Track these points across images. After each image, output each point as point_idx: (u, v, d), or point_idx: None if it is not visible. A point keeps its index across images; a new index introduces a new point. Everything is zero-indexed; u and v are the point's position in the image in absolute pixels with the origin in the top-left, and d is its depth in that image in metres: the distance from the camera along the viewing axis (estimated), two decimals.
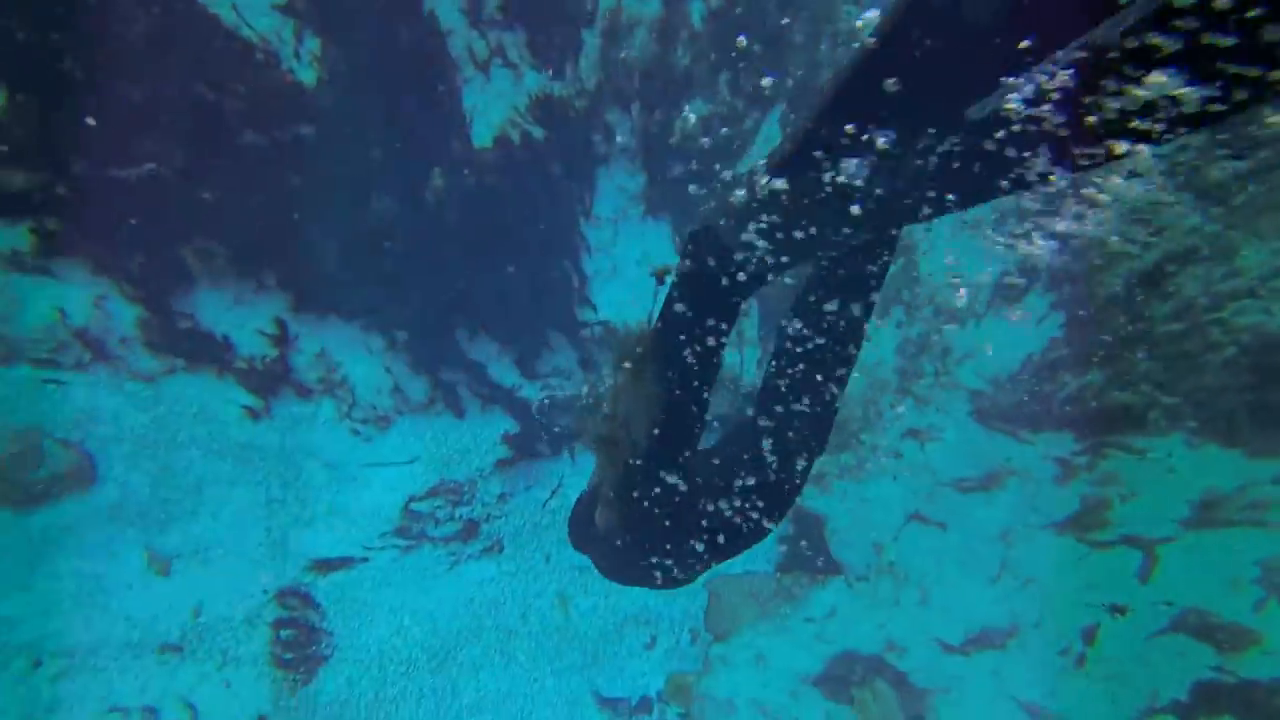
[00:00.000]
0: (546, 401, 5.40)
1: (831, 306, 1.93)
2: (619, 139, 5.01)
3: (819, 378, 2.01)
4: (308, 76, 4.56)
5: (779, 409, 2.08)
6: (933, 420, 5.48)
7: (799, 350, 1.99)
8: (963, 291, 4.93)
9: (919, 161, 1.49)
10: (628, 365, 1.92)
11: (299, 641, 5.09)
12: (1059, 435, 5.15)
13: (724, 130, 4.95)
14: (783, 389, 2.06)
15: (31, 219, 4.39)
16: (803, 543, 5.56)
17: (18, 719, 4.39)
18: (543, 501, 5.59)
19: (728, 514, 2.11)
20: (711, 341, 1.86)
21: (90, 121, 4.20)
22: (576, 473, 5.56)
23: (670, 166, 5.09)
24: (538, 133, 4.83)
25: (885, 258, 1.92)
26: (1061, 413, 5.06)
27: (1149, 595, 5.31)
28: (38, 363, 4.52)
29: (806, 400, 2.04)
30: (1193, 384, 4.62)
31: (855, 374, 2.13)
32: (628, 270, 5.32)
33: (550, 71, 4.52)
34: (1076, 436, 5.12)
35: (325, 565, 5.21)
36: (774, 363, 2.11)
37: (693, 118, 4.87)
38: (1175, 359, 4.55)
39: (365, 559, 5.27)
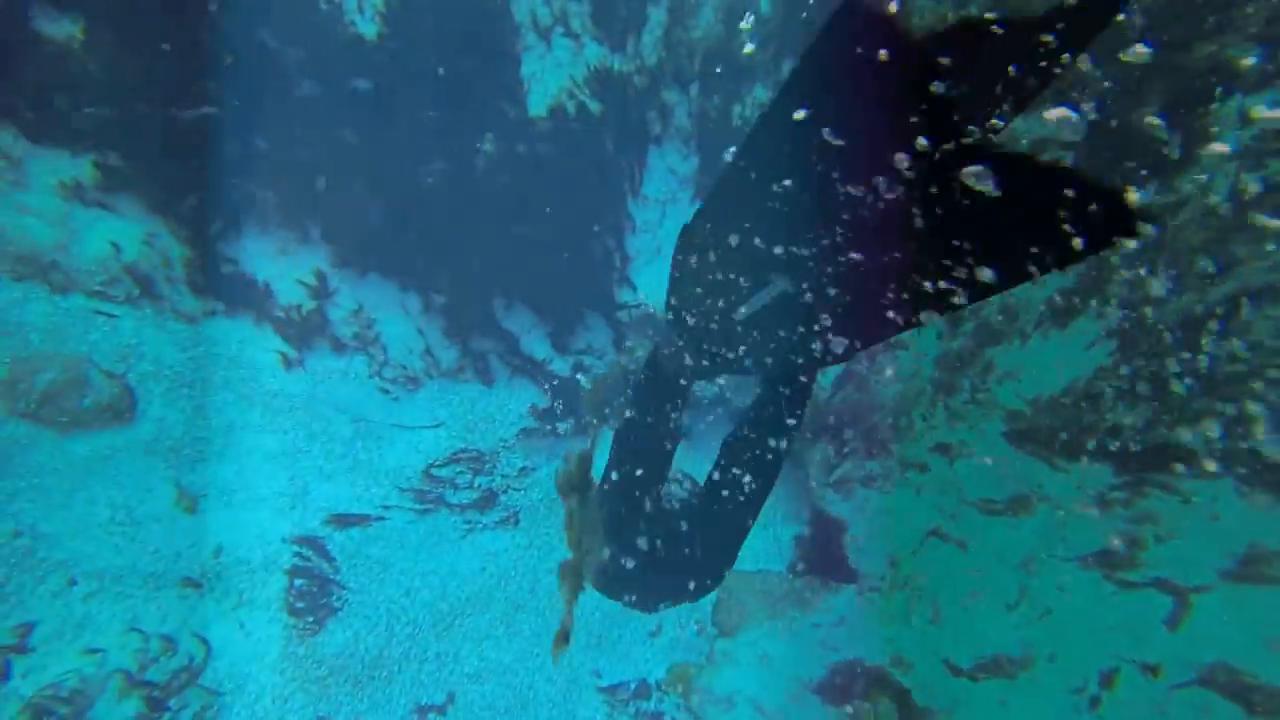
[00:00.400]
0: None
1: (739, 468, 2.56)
2: (675, 120, 4.91)
3: (734, 507, 2.67)
4: (369, 30, 4.55)
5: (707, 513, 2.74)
6: (965, 437, 5.32)
7: (728, 482, 2.64)
8: None
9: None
10: (572, 491, 2.57)
11: (312, 591, 5.19)
12: (1098, 467, 4.95)
13: None
14: (711, 500, 2.72)
15: (95, 152, 4.48)
16: (819, 546, 5.47)
17: (52, 631, 4.58)
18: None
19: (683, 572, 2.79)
20: (671, 414, 2.68)
21: (157, 59, 4.25)
22: (600, 453, 5.54)
23: (725, 152, 4.97)
24: (594, 106, 4.76)
25: (790, 419, 2.52)
26: (1103, 444, 4.86)
27: (1177, 644, 5.11)
28: (91, 293, 4.64)
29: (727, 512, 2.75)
30: (1250, 429, 4.39)
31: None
32: (672, 253, 5.23)
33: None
34: (1116, 470, 4.91)
35: (343, 520, 5.29)
36: (711, 477, 2.72)
37: (753, 104, 4.75)
38: (1233, 401, 4.32)
39: (382, 518, 5.34)
